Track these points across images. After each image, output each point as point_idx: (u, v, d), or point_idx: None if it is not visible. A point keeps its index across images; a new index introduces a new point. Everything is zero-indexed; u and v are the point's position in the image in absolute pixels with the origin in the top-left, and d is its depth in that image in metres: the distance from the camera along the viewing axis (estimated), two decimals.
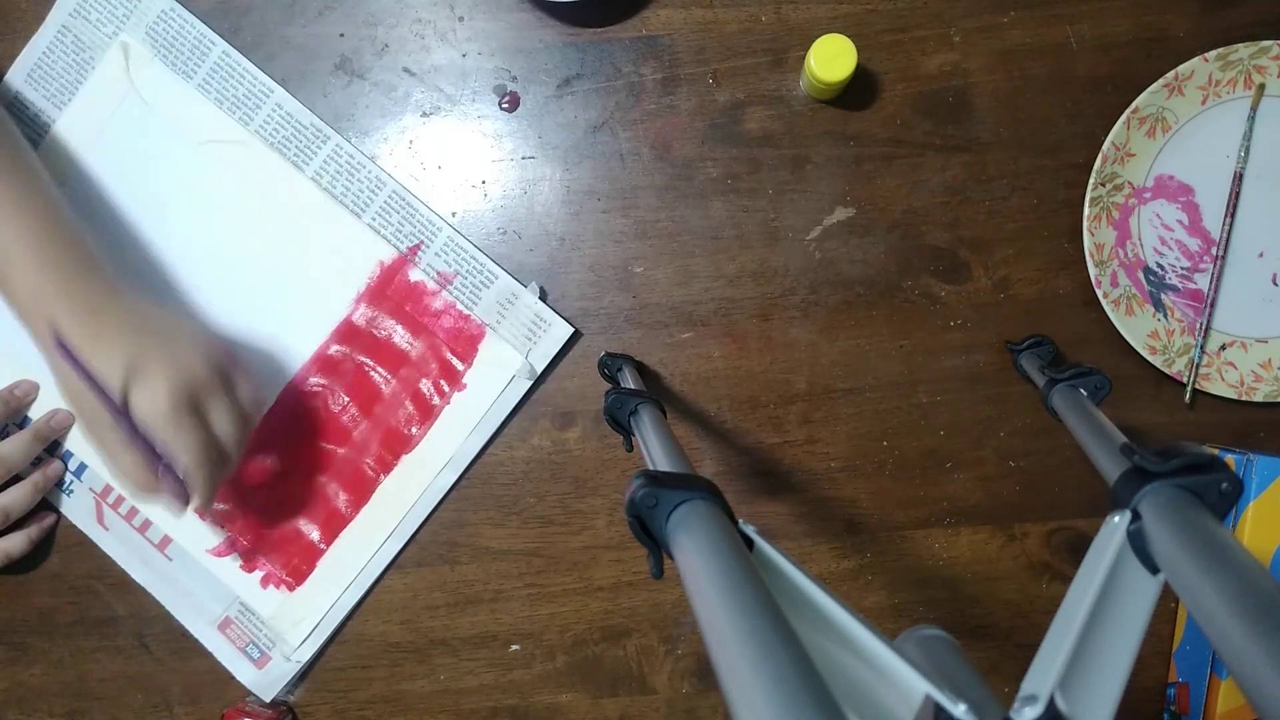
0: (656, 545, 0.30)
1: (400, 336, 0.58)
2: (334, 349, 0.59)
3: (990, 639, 0.59)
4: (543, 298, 0.58)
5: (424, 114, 0.59)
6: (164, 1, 0.57)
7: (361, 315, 0.58)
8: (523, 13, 0.58)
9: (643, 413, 0.43)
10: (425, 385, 0.58)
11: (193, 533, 0.60)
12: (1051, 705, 0.22)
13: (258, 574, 0.60)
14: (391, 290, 0.58)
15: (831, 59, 0.52)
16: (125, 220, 0.58)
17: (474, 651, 0.60)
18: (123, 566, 0.60)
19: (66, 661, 0.61)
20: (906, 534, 0.59)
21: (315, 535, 0.59)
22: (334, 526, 0.59)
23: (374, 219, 0.58)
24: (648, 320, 0.58)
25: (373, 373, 0.59)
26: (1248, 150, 0.55)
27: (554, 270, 0.58)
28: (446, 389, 0.58)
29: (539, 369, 0.57)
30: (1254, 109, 0.55)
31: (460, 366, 0.58)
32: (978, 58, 0.57)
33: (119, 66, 0.57)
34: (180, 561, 0.60)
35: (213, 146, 0.58)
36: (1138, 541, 0.30)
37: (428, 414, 0.58)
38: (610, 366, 0.56)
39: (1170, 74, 0.54)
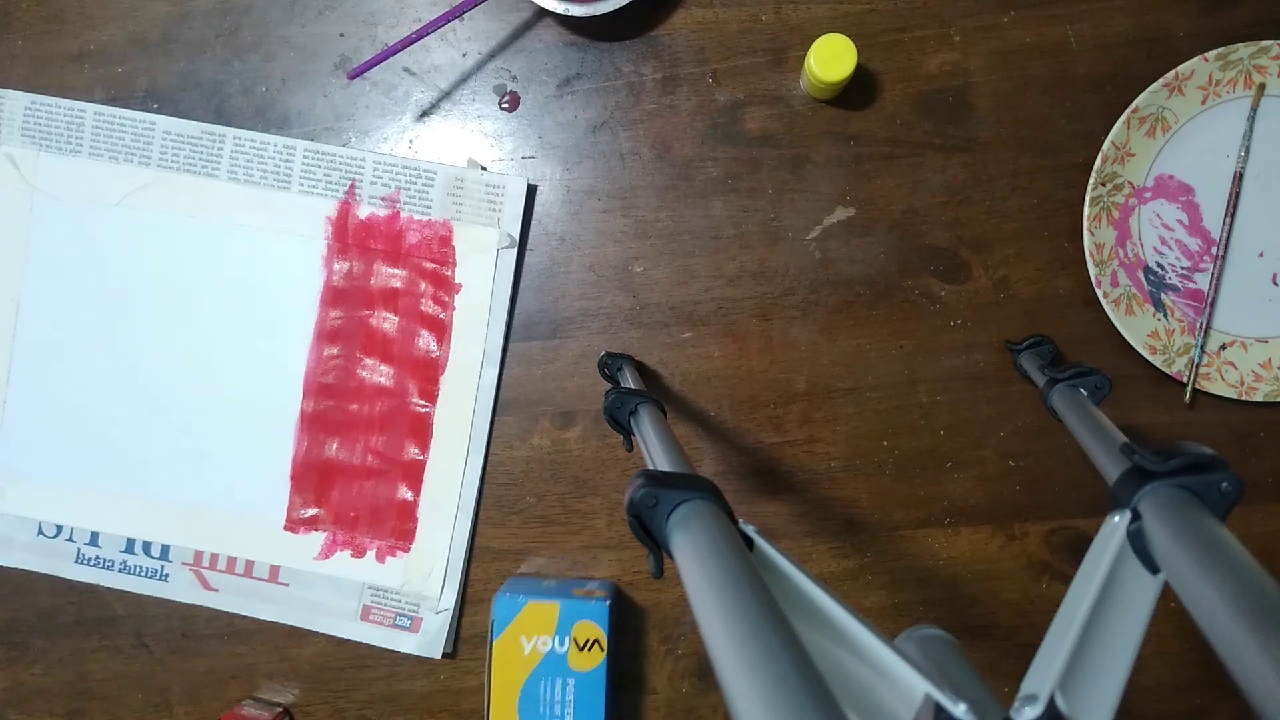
0: (656, 545, 0.30)
1: (381, 274, 0.58)
2: (330, 319, 0.59)
3: (990, 639, 0.59)
4: (483, 169, 0.58)
5: (424, 114, 0.59)
6: (23, 99, 0.58)
7: (338, 275, 0.58)
8: (522, 12, 0.58)
9: (643, 412, 0.43)
10: (426, 305, 0.58)
11: (293, 550, 0.60)
12: (1051, 705, 0.22)
13: (370, 554, 0.59)
14: (350, 237, 0.58)
15: (831, 59, 0.52)
16: (100, 318, 0.59)
17: (474, 651, 0.60)
18: (247, 615, 0.60)
19: (66, 661, 0.61)
20: (906, 534, 0.59)
21: (403, 492, 0.59)
22: (415, 475, 0.59)
23: (301, 183, 0.58)
24: (648, 320, 0.58)
25: (375, 320, 0.59)
26: (1248, 150, 0.55)
27: (554, 270, 0.58)
28: (446, 297, 0.58)
29: (515, 233, 0.57)
30: (1254, 109, 0.55)
31: (446, 271, 0.58)
32: (978, 58, 0.57)
33: (14, 178, 0.58)
34: (296, 582, 0.60)
35: (131, 199, 0.58)
36: (1138, 541, 0.30)
37: (441, 329, 0.58)
38: (610, 366, 0.56)
39: (1170, 74, 0.54)
